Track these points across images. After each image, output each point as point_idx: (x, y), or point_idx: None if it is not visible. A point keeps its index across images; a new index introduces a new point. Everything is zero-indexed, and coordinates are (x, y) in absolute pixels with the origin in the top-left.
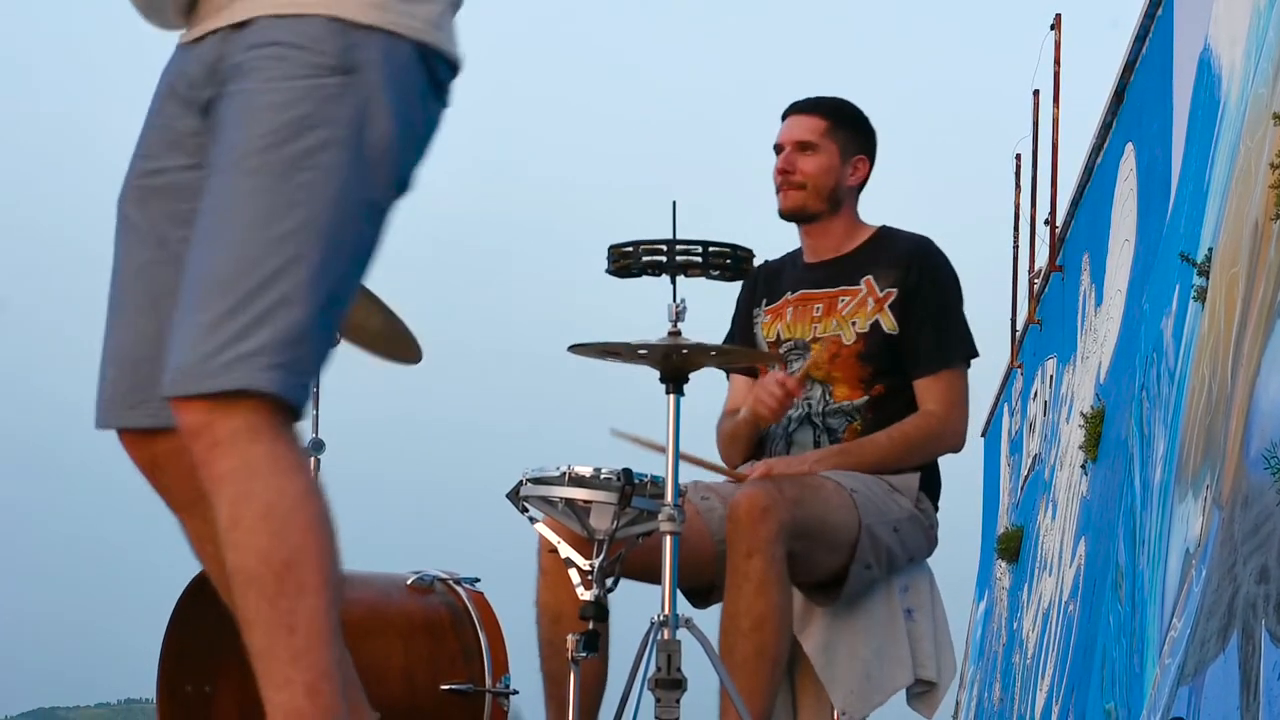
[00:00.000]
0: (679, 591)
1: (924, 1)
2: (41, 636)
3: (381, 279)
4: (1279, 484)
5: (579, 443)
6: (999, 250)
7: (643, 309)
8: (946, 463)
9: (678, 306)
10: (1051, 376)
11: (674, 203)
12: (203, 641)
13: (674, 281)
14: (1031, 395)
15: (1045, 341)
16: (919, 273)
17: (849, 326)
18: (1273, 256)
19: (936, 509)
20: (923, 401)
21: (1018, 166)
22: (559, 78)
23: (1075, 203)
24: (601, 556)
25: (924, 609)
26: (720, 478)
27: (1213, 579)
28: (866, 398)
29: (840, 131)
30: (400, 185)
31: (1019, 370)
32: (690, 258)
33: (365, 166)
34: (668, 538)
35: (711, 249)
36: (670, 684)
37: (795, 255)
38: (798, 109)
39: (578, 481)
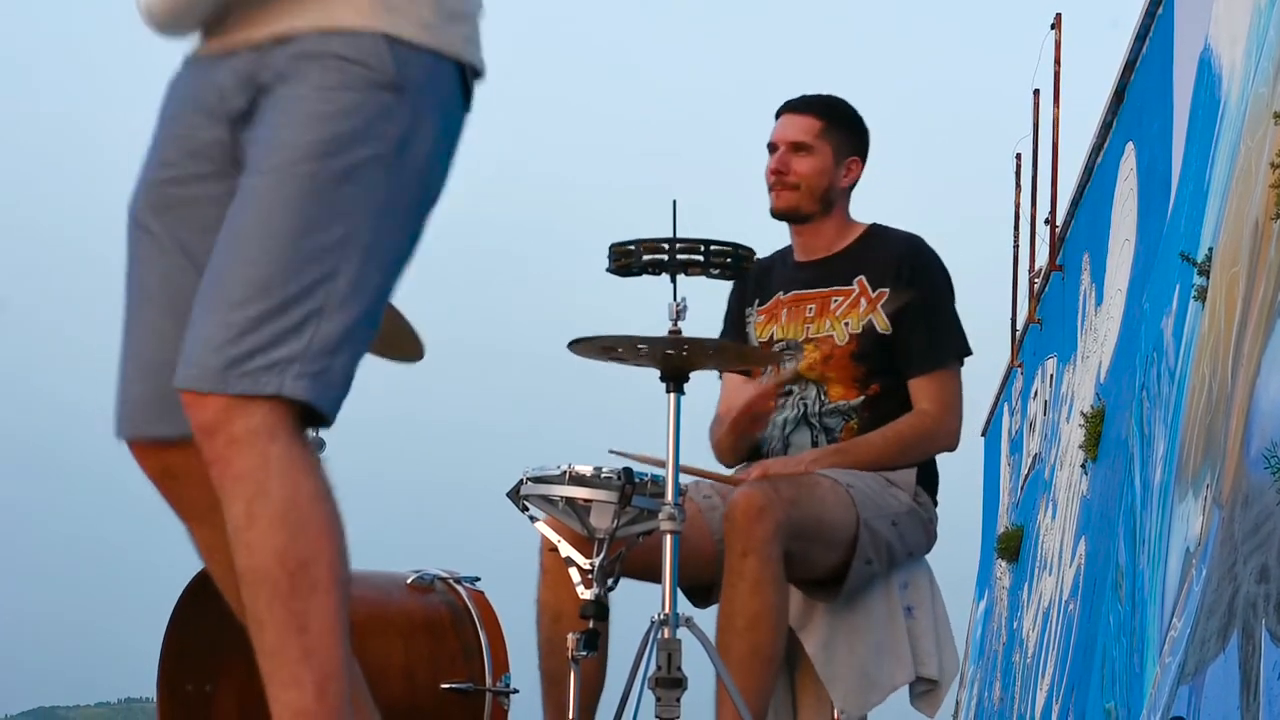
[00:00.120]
0: (679, 590)
1: (924, 1)
2: (41, 636)
3: None
4: (1279, 483)
5: (579, 442)
6: (999, 250)
7: (643, 308)
8: (946, 461)
9: (678, 305)
10: (1052, 376)
11: (674, 202)
12: (203, 641)
13: (674, 280)
14: (1032, 395)
15: (1045, 341)
16: (911, 272)
17: (841, 327)
18: (1273, 256)
19: (935, 503)
20: (917, 401)
21: (1018, 166)
22: (559, 78)
23: (1075, 202)
24: (602, 555)
25: (924, 606)
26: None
27: (1213, 578)
28: (862, 397)
29: (835, 132)
30: (433, 199)
31: (1019, 370)
32: (691, 256)
33: (406, 183)
34: (668, 537)
35: (713, 248)
36: (671, 683)
37: (785, 253)
38: (792, 108)
39: (578, 480)
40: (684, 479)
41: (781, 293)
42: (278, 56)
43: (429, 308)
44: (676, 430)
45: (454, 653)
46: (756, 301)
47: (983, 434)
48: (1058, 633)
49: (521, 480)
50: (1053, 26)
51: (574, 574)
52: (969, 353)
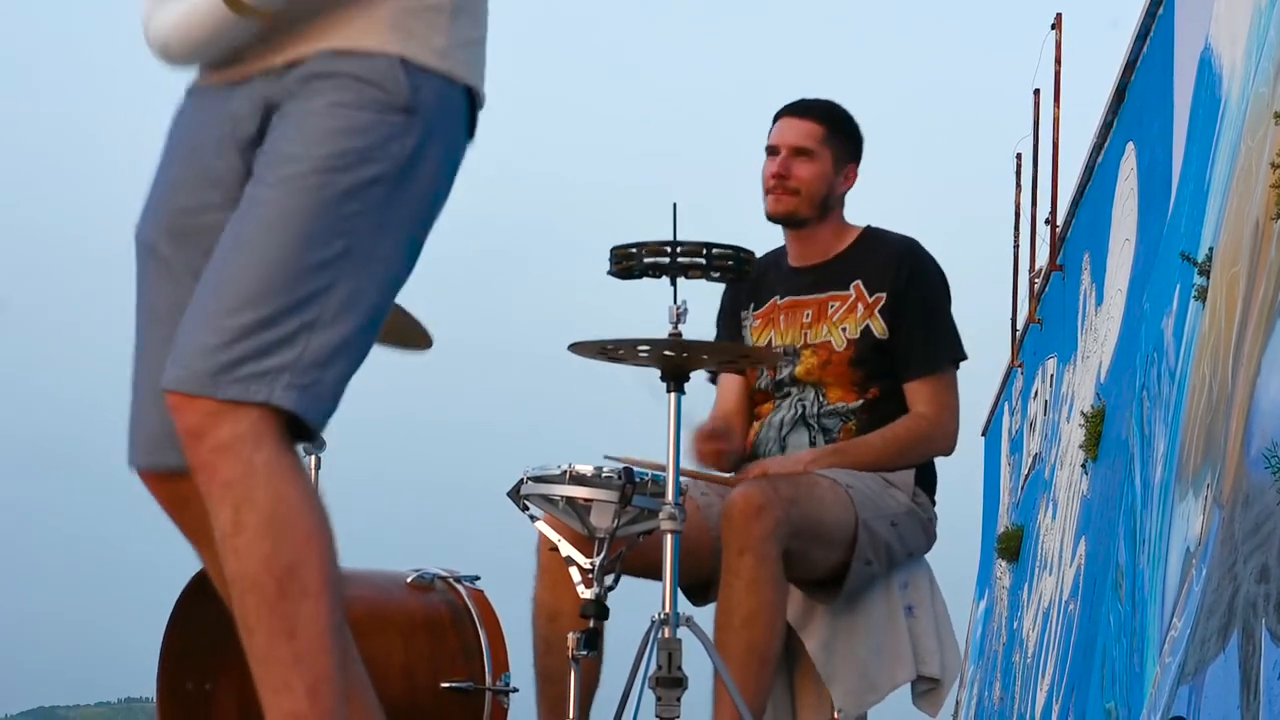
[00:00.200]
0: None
1: (925, 1)
2: (41, 636)
3: None
4: (1279, 483)
5: (580, 442)
6: (999, 249)
7: (643, 310)
8: (946, 461)
9: (679, 308)
10: (1052, 376)
11: (674, 204)
12: (203, 640)
13: (674, 283)
14: (1032, 394)
15: (1046, 341)
16: (908, 276)
17: (839, 332)
18: (1273, 256)
19: (933, 503)
20: (913, 404)
21: (1018, 166)
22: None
23: (1076, 202)
24: (602, 555)
25: (924, 605)
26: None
27: (1213, 578)
28: (861, 400)
29: (835, 138)
30: (433, 219)
31: (1019, 369)
32: (693, 259)
33: (408, 204)
34: (668, 536)
35: (714, 251)
36: (671, 682)
37: (779, 256)
38: (793, 112)
39: (579, 480)
40: (684, 478)
41: (778, 298)
42: (290, 77)
43: (429, 307)
44: (677, 430)
45: (454, 652)
46: (752, 305)
47: (983, 434)
48: (1058, 633)
49: (522, 479)
50: (1053, 26)
51: (574, 573)
52: (964, 357)
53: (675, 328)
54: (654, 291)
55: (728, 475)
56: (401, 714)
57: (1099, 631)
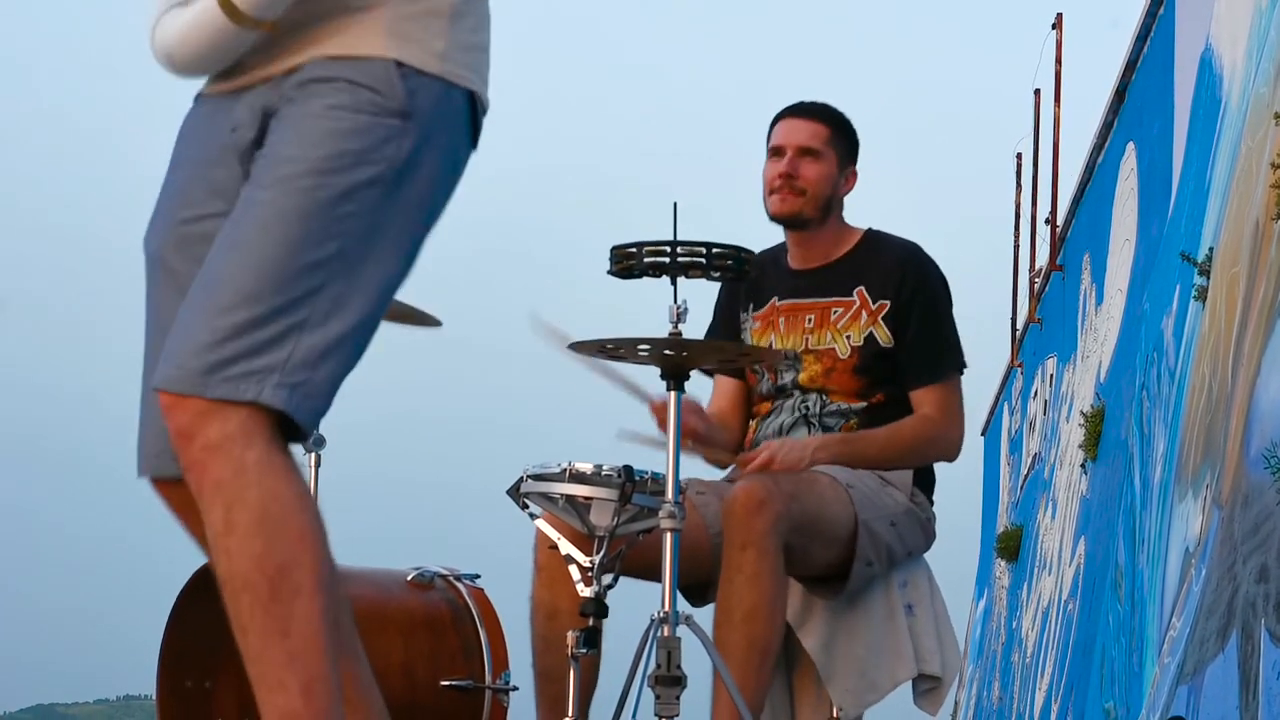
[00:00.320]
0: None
1: (925, 1)
2: (41, 633)
3: None
4: (1279, 483)
5: (580, 440)
6: (999, 249)
7: (642, 310)
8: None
9: (679, 308)
10: (1052, 375)
11: (675, 204)
12: (203, 637)
13: (675, 283)
14: (1032, 394)
15: (1045, 340)
16: (913, 283)
17: (843, 340)
18: (1273, 256)
19: (931, 502)
20: (920, 408)
21: (1018, 165)
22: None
23: (1076, 202)
24: (601, 553)
25: (924, 604)
26: (719, 474)
27: (1212, 578)
28: (864, 404)
29: (839, 140)
30: (432, 223)
31: (1019, 369)
32: (693, 259)
33: (404, 208)
34: (668, 535)
35: (714, 250)
36: (670, 681)
37: (778, 254)
38: (798, 113)
39: (578, 478)
40: (683, 476)
41: (777, 299)
42: (288, 84)
43: (430, 306)
44: (677, 428)
45: (454, 650)
46: (751, 306)
47: (982, 433)
48: (1057, 632)
49: (522, 477)
50: (1054, 26)
51: (574, 571)
52: (965, 365)
53: (675, 327)
54: (653, 291)
55: (735, 456)
56: (401, 712)
57: (1098, 631)
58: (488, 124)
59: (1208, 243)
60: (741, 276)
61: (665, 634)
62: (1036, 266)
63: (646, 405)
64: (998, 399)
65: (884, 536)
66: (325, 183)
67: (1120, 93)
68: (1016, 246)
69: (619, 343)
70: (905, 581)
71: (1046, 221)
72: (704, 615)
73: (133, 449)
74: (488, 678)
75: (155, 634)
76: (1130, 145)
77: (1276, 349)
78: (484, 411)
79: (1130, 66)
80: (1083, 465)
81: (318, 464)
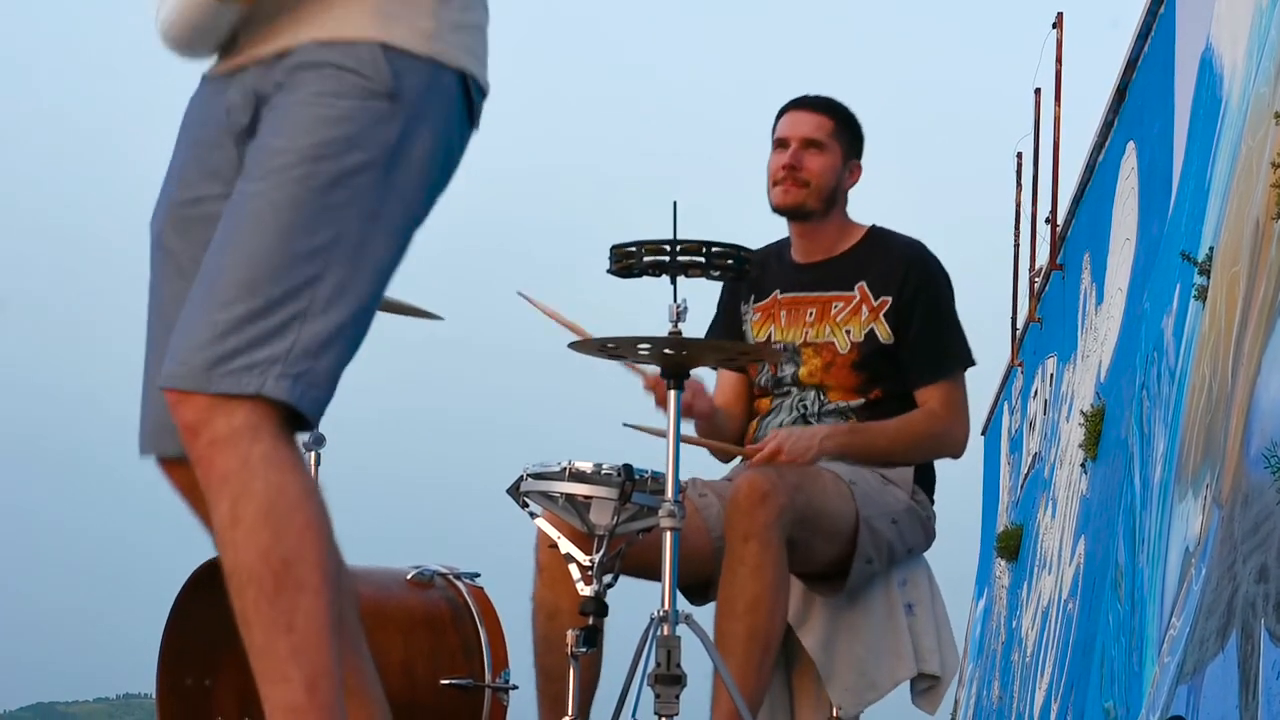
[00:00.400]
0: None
1: (925, 1)
2: (41, 631)
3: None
4: (1279, 483)
5: (580, 439)
6: (999, 248)
7: (642, 308)
8: (945, 460)
9: (679, 307)
10: (1052, 375)
11: (674, 203)
12: (203, 635)
13: (674, 282)
14: (1032, 393)
15: (1046, 340)
16: (916, 282)
17: (843, 334)
18: (1273, 256)
19: (931, 501)
20: (925, 404)
21: (1019, 165)
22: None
23: (1076, 201)
24: (601, 552)
25: (924, 603)
26: (718, 474)
27: (1212, 578)
28: (862, 400)
29: (843, 133)
30: (428, 206)
31: (1019, 368)
32: (692, 258)
33: (397, 191)
34: (668, 533)
35: (713, 249)
36: (670, 679)
37: (782, 248)
38: (803, 105)
39: (578, 477)
40: (683, 475)
41: (779, 292)
42: (278, 68)
43: (430, 304)
44: (677, 426)
45: (453, 648)
46: (752, 298)
47: (983, 433)
48: (1057, 631)
49: (522, 476)
50: (1054, 25)
51: (573, 570)
52: (974, 362)
53: (675, 326)
54: (653, 290)
55: (742, 448)
56: (401, 710)
57: (1098, 631)
58: (487, 122)
59: (1208, 242)
60: (741, 275)
61: (665, 633)
62: (1037, 266)
63: (643, 381)
64: (998, 398)
65: (885, 534)
66: (316, 170)
67: (1121, 92)
68: (1017, 246)
69: (618, 341)
70: (905, 580)
71: (1047, 221)
72: (704, 614)
73: (133, 449)
74: (487, 676)
75: (155, 632)
76: (1130, 144)
77: (1276, 348)
78: (484, 411)
79: (1131, 66)
80: (1083, 464)
81: (318, 462)
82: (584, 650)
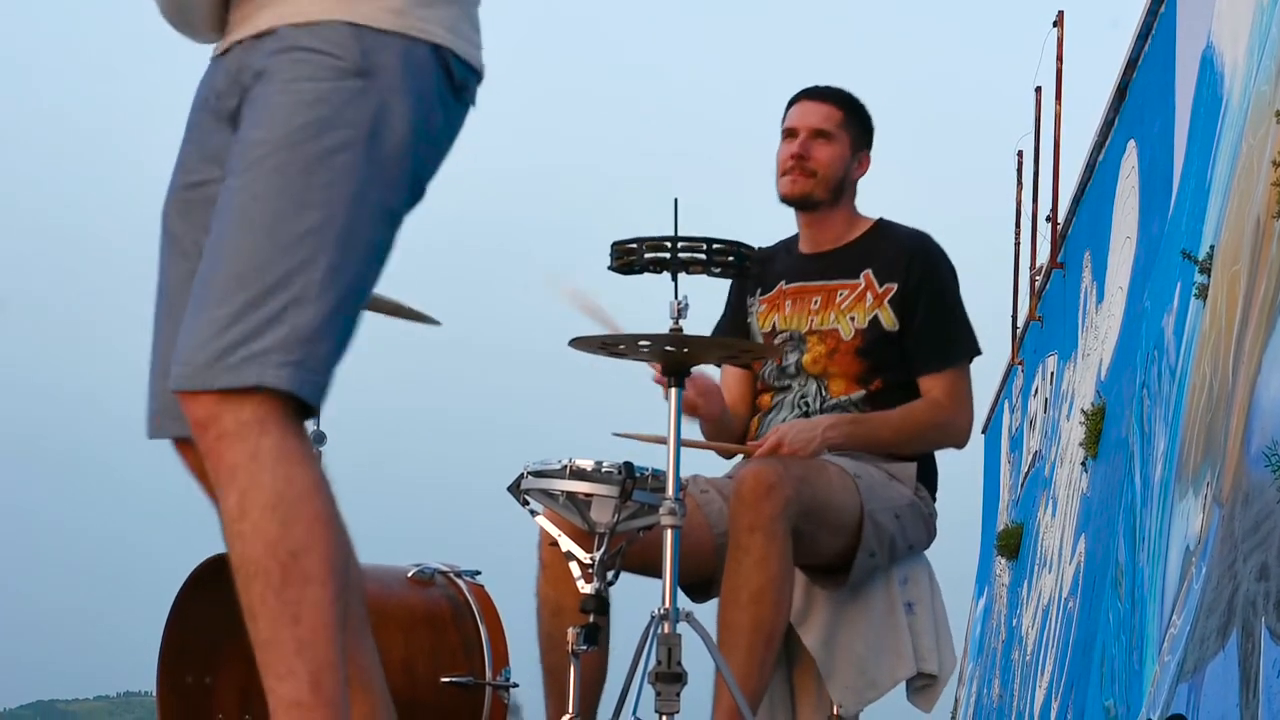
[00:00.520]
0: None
1: (926, 0)
2: (41, 630)
3: (385, 273)
4: (1279, 481)
5: (581, 437)
6: (1000, 247)
7: (643, 306)
8: (946, 458)
9: (680, 304)
10: (1052, 373)
11: (675, 200)
12: (203, 633)
13: (675, 279)
14: (1032, 392)
15: (1046, 338)
16: (921, 269)
17: (847, 321)
18: (1274, 254)
19: (934, 499)
20: (928, 393)
21: (1019, 163)
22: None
23: (1077, 199)
24: (602, 550)
25: (924, 602)
26: (719, 471)
27: (1213, 576)
28: (863, 392)
29: (852, 123)
30: (416, 186)
31: (1020, 367)
32: (693, 255)
33: (381, 168)
34: (669, 531)
35: (714, 246)
36: (671, 677)
37: (790, 243)
38: (812, 95)
39: (579, 475)
40: (684, 473)
41: (785, 282)
42: (258, 52)
43: (431, 303)
44: (678, 424)
45: (454, 646)
46: (759, 291)
47: (983, 431)
48: (1057, 630)
49: (522, 474)
50: (1055, 24)
51: (574, 568)
52: (979, 351)
53: (676, 323)
54: (654, 287)
55: (740, 445)
56: (402, 708)
57: (1098, 629)
58: (487, 122)
59: (1208, 241)
60: (742, 272)
61: (666, 630)
62: (1037, 264)
63: (654, 373)
64: (998, 396)
65: (888, 528)
66: (294, 155)
67: (1121, 90)
68: (1017, 244)
69: (620, 338)
70: (906, 579)
71: (1047, 219)
72: (705, 612)
73: (133, 449)
74: (488, 674)
75: (155, 630)
76: (1131, 143)
77: (1277, 347)
78: (484, 410)
79: (1131, 64)
80: (1083, 463)
81: (318, 460)
82: (585, 648)
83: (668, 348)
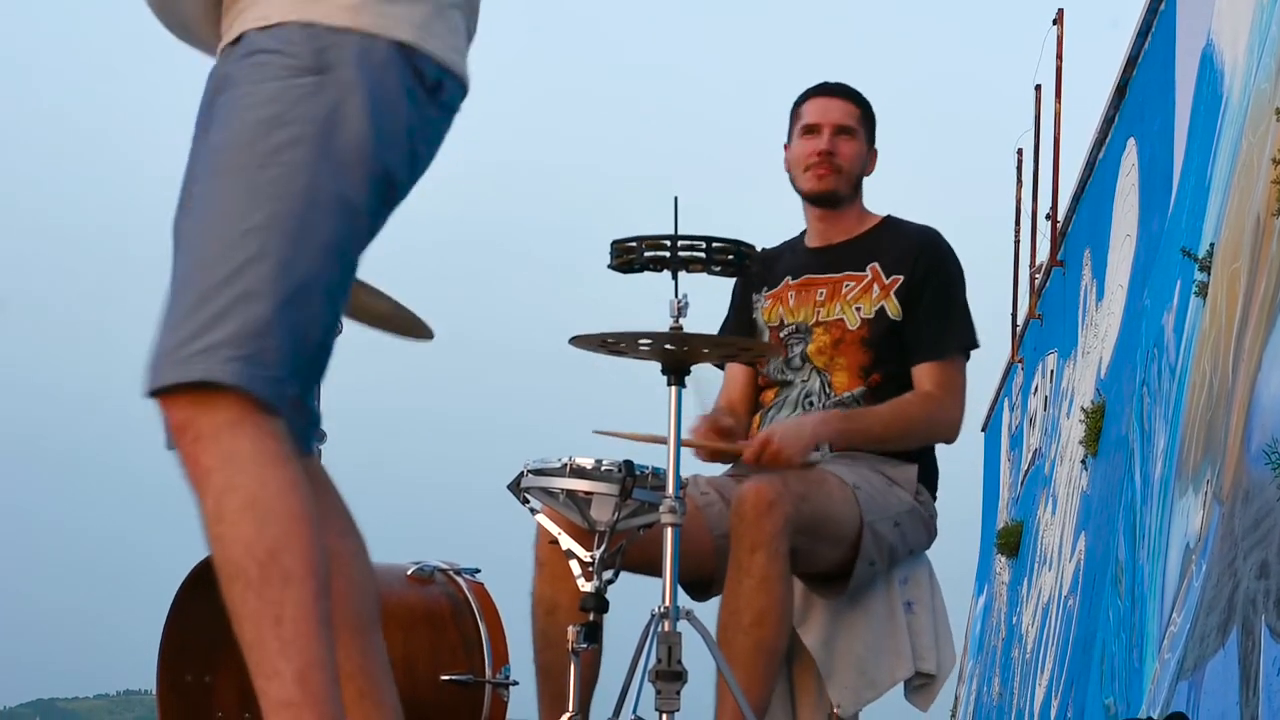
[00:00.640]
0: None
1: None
2: (41, 629)
3: (385, 273)
4: (1279, 479)
5: (581, 436)
6: (1000, 245)
7: (644, 304)
8: (947, 457)
9: (680, 302)
10: (1052, 371)
11: (675, 198)
12: (203, 631)
13: (675, 277)
14: (1032, 390)
15: (1046, 336)
16: (928, 262)
17: (853, 311)
18: (1274, 252)
19: (934, 499)
20: (920, 384)
21: (1019, 161)
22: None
23: (1077, 198)
24: (602, 548)
25: (923, 601)
26: (719, 470)
27: (1213, 574)
28: (864, 387)
29: (867, 121)
30: (382, 182)
31: (1020, 365)
32: (693, 253)
33: (337, 163)
34: (669, 530)
35: (714, 244)
36: (671, 676)
37: (794, 241)
38: (832, 92)
39: (579, 473)
40: (684, 472)
41: (790, 277)
42: (227, 62)
43: (431, 302)
44: (678, 423)
45: (454, 644)
46: (765, 288)
47: (983, 429)
48: (1057, 628)
49: (522, 472)
50: (1055, 22)
51: (574, 566)
52: (976, 345)
53: (676, 321)
54: (655, 286)
55: (731, 445)
56: (402, 707)
57: (1098, 627)
58: (487, 122)
59: (1208, 238)
60: (742, 270)
61: (666, 629)
62: (1037, 262)
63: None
64: (998, 394)
65: (888, 537)
66: (245, 155)
67: (1121, 88)
68: (1017, 242)
69: (619, 337)
70: (906, 578)
71: (1047, 217)
72: (705, 611)
73: (133, 449)
74: (488, 672)
75: (155, 629)
76: (1131, 141)
77: (1277, 345)
78: (484, 410)
79: (1131, 62)
80: (1083, 461)
81: (318, 459)
82: (585, 646)
83: (668, 346)
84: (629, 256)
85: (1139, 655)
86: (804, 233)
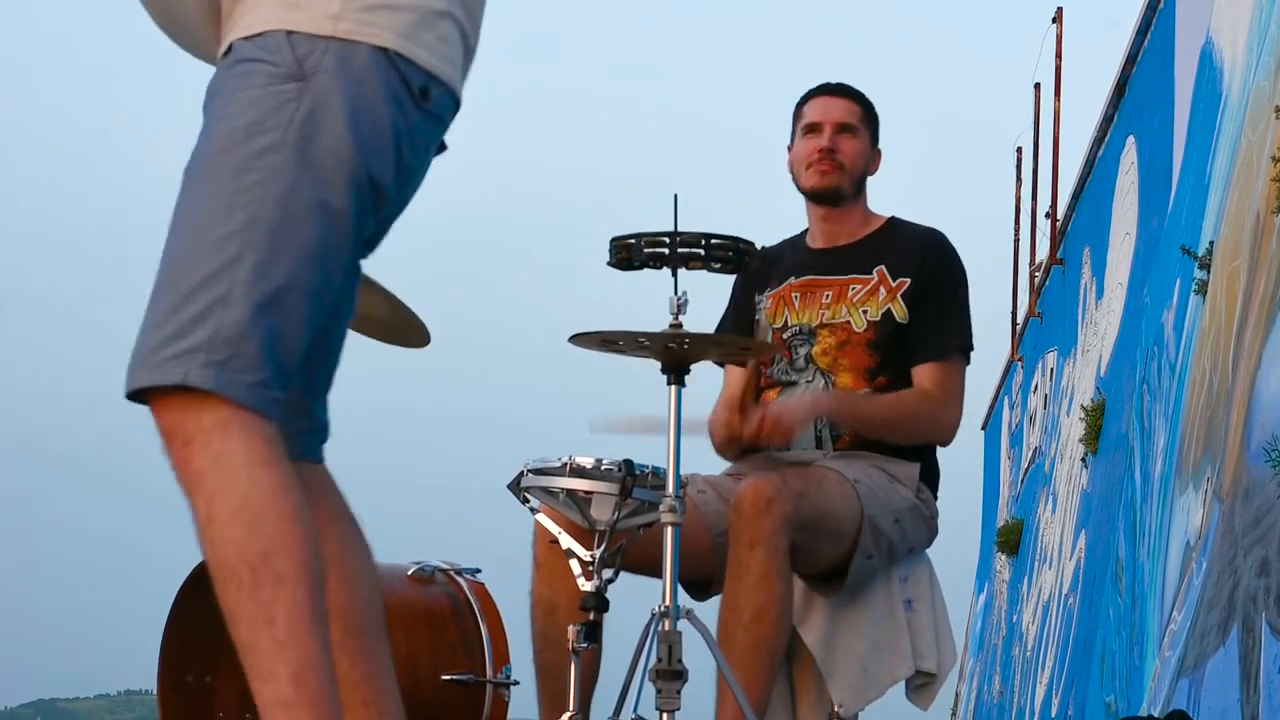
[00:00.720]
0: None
1: None
2: (42, 629)
3: (385, 273)
4: (1279, 477)
5: (580, 435)
6: (1000, 243)
7: (644, 301)
8: (947, 455)
9: (679, 299)
10: (1052, 369)
11: (675, 195)
12: (203, 632)
13: (675, 274)
14: (1032, 388)
15: (1046, 334)
16: (934, 265)
17: (859, 314)
18: (1274, 250)
19: (936, 499)
20: (920, 384)
21: (1019, 160)
22: (561, 73)
23: (1076, 196)
24: (602, 547)
25: (924, 600)
26: (718, 469)
27: (1213, 572)
28: (869, 389)
29: (870, 120)
30: (365, 187)
31: (1019, 363)
32: (692, 250)
33: (316, 168)
34: (669, 529)
35: (713, 241)
36: (671, 675)
37: (796, 240)
38: (832, 91)
39: (579, 472)
40: (684, 471)
41: (793, 278)
42: (220, 69)
43: (432, 302)
44: (678, 422)
45: (455, 644)
46: (766, 288)
47: (983, 428)
48: (1057, 626)
49: (522, 472)
50: (1054, 21)
51: (574, 566)
52: (971, 347)
53: (676, 319)
54: (655, 283)
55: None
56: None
57: (1099, 625)
58: (487, 121)
59: (1208, 237)
60: (741, 268)
61: (666, 628)
62: (1037, 260)
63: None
64: (998, 393)
65: (887, 532)
66: (223, 160)
67: (1120, 86)
68: (1017, 240)
69: (619, 335)
70: (906, 577)
71: (1047, 215)
72: (705, 610)
73: (133, 449)
74: (489, 672)
75: (155, 629)
76: (1130, 139)
77: (1277, 343)
78: (484, 409)
79: (1130, 60)
80: (1083, 459)
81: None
82: (585, 645)
83: (668, 344)
84: (627, 253)
85: (1139, 653)
86: (805, 232)
